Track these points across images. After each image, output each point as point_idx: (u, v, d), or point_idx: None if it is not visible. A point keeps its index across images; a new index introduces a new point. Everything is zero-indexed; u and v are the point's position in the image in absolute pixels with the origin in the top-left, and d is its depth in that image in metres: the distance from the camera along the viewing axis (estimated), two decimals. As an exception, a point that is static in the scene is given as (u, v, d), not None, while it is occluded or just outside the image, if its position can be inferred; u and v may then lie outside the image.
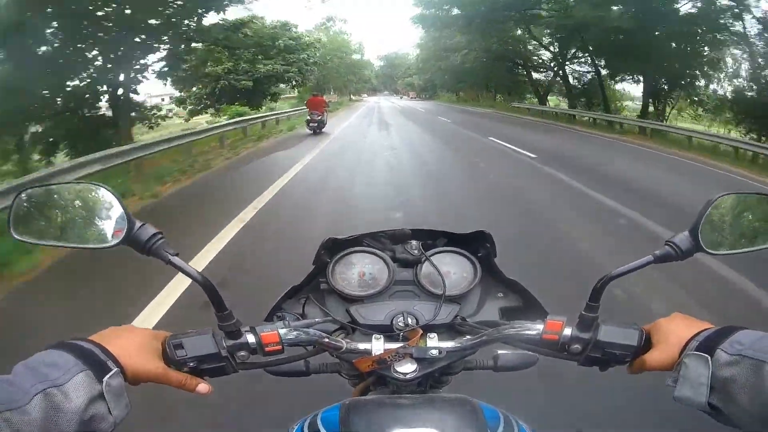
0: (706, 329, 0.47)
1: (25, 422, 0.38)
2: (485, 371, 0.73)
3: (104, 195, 0.51)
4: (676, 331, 0.50)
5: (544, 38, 18.50)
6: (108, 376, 0.42)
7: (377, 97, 60.97)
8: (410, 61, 56.88)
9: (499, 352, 0.73)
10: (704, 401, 0.43)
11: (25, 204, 0.53)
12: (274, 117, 12.28)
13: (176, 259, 0.50)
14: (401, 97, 49.48)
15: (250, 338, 0.52)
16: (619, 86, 17.52)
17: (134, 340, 0.48)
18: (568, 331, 0.53)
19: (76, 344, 0.44)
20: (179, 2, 8.38)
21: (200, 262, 2.81)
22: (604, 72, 15.48)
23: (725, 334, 0.45)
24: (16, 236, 0.52)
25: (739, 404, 0.41)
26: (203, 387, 0.51)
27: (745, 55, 11.30)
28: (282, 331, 0.53)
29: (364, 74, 42.40)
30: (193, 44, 10.51)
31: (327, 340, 0.56)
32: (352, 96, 48.13)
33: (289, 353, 0.57)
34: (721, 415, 0.43)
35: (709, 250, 0.51)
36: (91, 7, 7.11)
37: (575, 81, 18.06)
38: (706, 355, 0.43)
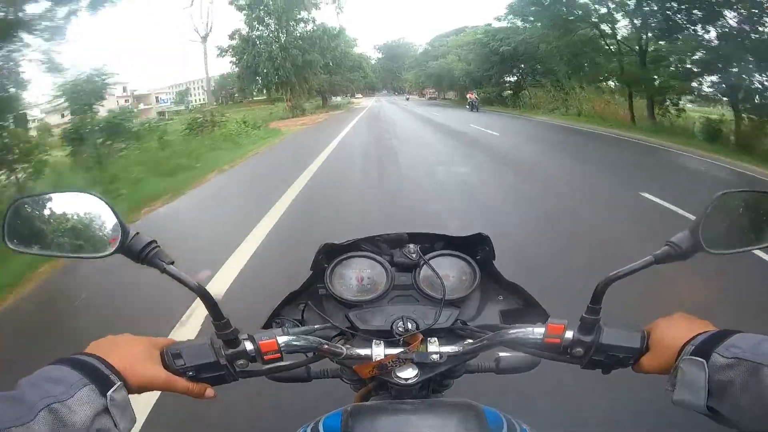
0: (702, 333, 0.52)
1: None
2: (488, 374, 0.77)
3: (98, 204, 0.56)
4: (673, 334, 0.54)
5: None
6: (112, 390, 0.47)
7: (376, 97, 56.62)
8: (417, 53, 52.69)
9: (501, 354, 0.78)
10: (703, 404, 0.48)
11: (19, 213, 0.58)
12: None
13: (172, 268, 0.54)
14: (407, 98, 45.59)
15: (249, 346, 0.57)
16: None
17: (134, 350, 0.53)
18: (569, 334, 0.58)
19: (78, 359, 0.49)
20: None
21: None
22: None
23: (721, 338, 0.50)
24: (10, 246, 0.57)
25: (739, 407, 0.45)
26: (210, 392, 0.57)
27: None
28: (280, 339, 0.58)
29: (363, 71, 38.13)
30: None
31: (326, 346, 0.61)
32: (348, 97, 44.18)
33: (288, 360, 0.61)
34: (720, 418, 0.48)
35: (711, 250, 0.55)
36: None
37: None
38: (702, 360, 0.48)
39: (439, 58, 35.01)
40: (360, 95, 66.96)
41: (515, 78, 25.60)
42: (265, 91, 26.23)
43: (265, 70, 22.88)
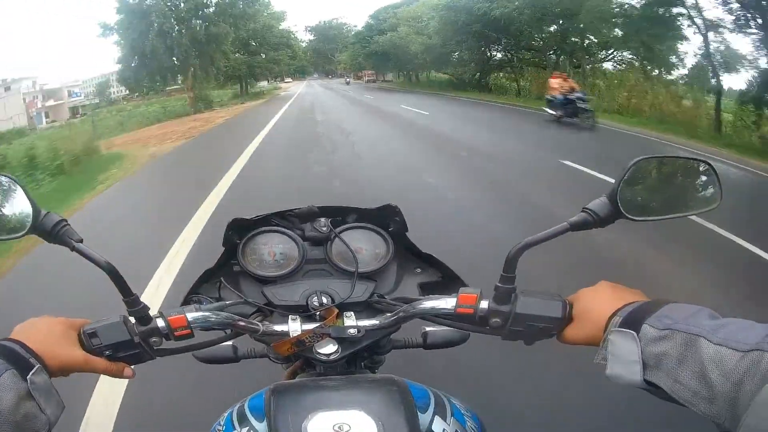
0: (630, 303, 0.52)
1: None
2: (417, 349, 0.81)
3: (10, 185, 0.58)
4: (599, 304, 0.55)
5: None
6: (31, 373, 0.49)
7: (307, 81, 54.42)
8: (351, 33, 51.81)
9: (428, 329, 0.82)
10: (639, 378, 0.48)
11: None
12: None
13: (80, 246, 0.57)
14: (347, 82, 43.07)
15: (160, 323, 0.59)
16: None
17: (52, 332, 0.55)
18: (485, 304, 0.59)
19: None
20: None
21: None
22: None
23: (651, 308, 0.49)
24: None
25: (677, 380, 0.45)
26: (128, 371, 0.59)
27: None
28: (190, 315, 0.60)
29: (291, 50, 34.89)
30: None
31: (242, 323, 0.63)
32: (275, 81, 42.16)
33: (206, 338, 0.64)
34: (660, 392, 0.47)
35: (630, 216, 0.56)
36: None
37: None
38: (632, 332, 0.48)
39: (387, 32, 30.72)
40: (289, 79, 63.34)
41: (502, 54, 20.41)
42: (160, 80, 20.59)
43: (153, 50, 17.51)
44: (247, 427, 0.57)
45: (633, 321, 0.49)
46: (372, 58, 37.46)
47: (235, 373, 1.16)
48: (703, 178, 0.62)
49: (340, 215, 0.81)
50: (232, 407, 0.62)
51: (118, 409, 1.80)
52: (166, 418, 1.74)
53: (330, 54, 62.19)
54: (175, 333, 0.59)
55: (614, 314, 0.52)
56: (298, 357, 0.72)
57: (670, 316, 0.47)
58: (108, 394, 1.87)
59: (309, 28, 65.33)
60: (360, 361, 0.76)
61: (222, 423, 0.60)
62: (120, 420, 1.76)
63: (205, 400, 1.68)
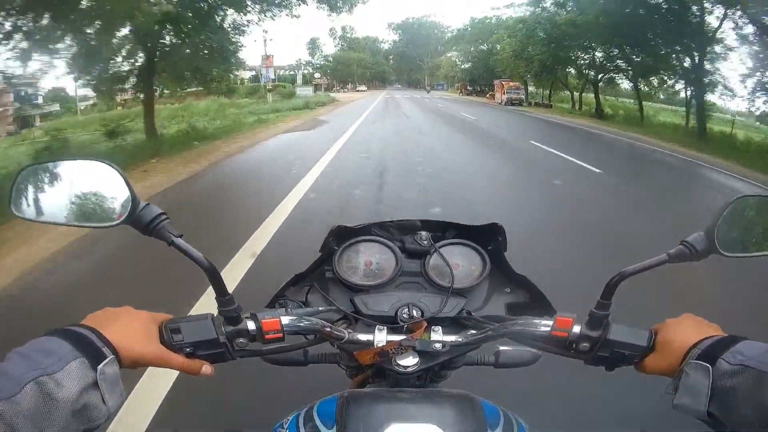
0: (709, 337, 0.66)
1: (14, 413, 0.49)
2: (486, 367, 0.96)
3: (109, 173, 0.71)
4: (681, 336, 0.69)
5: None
6: (103, 363, 0.58)
7: (386, 90, 55.22)
8: (447, 36, 53.14)
9: (501, 348, 0.96)
10: (703, 410, 0.60)
11: (26, 181, 0.75)
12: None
13: (179, 241, 0.68)
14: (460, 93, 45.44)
15: (251, 325, 0.72)
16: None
17: (131, 324, 0.66)
18: (577, 329, 0.74)
19: (72, 330, 0.60)
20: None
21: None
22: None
23: (728, 344, 0.63)
24: (16, 213, 0.73)
25: (740, 415, 0.57)
26: (207, 368, 0.71)
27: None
28: (284, 319, 0.74)
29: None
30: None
31: (329, 329, 0.77)
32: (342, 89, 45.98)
33: (288, 342, 0.77)
34: (720, 425, 0.60)
35: (725, 253, 0.70)
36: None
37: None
38: (707, 365, 0.61)
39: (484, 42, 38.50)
40: (363, 87, 65.08)
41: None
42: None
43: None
44: None
45: (710, 355, 0.62)
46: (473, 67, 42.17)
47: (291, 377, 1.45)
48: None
49: (440, 230, 0.98)
50: (298, 410, 0.74)
51: (159, 405, 2.18)
52: (219, 417, 2.13)
53: (419, 59, 62.25)
54: (266, 336, 0.72)
55: (693, 347, 0.66)
56: (371, 366, 0.85)
57: (745, 353, 0.60)
58: (152, 388, 2.27)
59: (392, 26, 66.31)
60: (429, 374, 0.90)
61: (286, 425, 0.72)
62: (160, 416, 2.12)
63: (264, 400, 2.14)
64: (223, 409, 2.14)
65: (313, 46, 71.69)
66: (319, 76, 65.00)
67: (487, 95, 43.96)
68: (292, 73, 59.40)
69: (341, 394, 0.72)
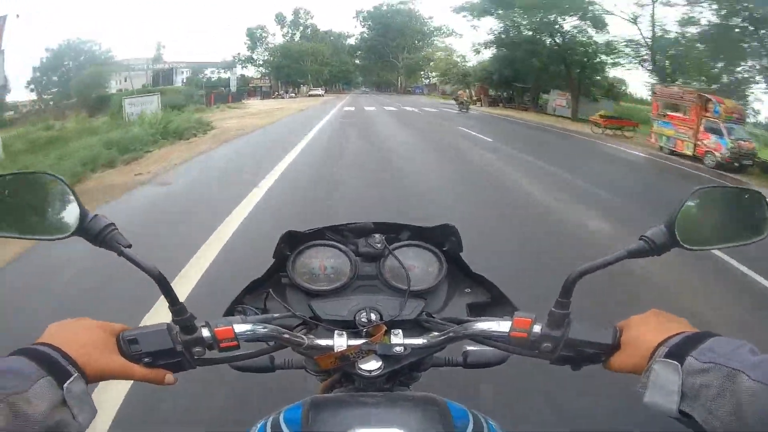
0: (677, 334, 0.80)
1: None
2: (457, 369, 1.14)
3: (56, 185, 0.87)
4: (646, 333, 0.84)
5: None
6: (69, 381, 0.72)
7: (345, 101, 47.33)
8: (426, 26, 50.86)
9: (469, 348, 1.15)
10: (675, 408, 0.74)
11: None
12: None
13: (128, 251, 0.85)
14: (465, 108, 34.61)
15: (205, 333, 0.89)
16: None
17: (91, 338, 0.81)
18: (537, 329, 0.90)
19: (36, 350, 0.74)
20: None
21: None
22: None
23: (696, 341, 0.76)
24: None
25: (712, 413, 0.69)
26: (170, 377, 0.87)
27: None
28: (237, 327, 0.90)
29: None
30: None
31: (287, 335, 0.95)
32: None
33: (248, 349, 0.95)
34: (692, 423, 0.73)
35: (686, 246, 0.86)
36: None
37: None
38: (676, 363, 0.75)
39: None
40: (320, 90, 60.15)
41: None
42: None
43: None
44: None
45: (678, 352, 0.76)
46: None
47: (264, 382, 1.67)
48: (755, 208, 0.92)
49: (394, 232, 1.18)
50: (265, 418, 0.89)
51: (114, 416, 2.62)
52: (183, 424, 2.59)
53: (392, 56, 61.13)
54: (221, 344, 0.88)
55: (660, 344, 0.80)
56: (336, 370, 1.04)
57: (714, 350, 0.73)
58: (109, 399, 2.67)
59: (362, 16, 64.04)
60: (398, 377, 1.07)
61: None
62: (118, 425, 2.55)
63: (233, 409, 2.58)
64: (191, 417, 2.58)
65: (253, 37, 64.86)
66: (259, 77, 62.65)
67: (591, 119, 26.81)
68: (225, 74, 54.81)
69: (305, 401, 0.88)
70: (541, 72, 37.00)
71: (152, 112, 22.21)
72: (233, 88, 50.19)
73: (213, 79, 51.64)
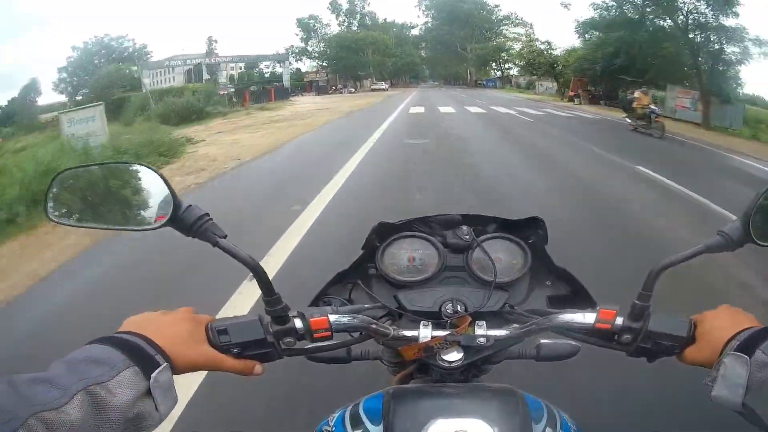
0: (747, 328, 0.85)
1: (63, 423, 0.61)
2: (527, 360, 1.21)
3: (148, 175, 0.93)
4: (719, 327, 0.89)
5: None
6: (157, 371, 0.74)
7: (416, 91, 49.14)
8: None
9: (542, 341, 1.21)
10: (739, 402, 0.78)
11: (62, 186, 0.97)
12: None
13: (224, 242, 0.89)
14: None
15: (298, 323, 0.95)
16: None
17: (179, 329, 0.84)
18: (620, 321, 0.97)
19: (121, 338, 0.76)
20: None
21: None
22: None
23: (766, 335, 0.81)
24: (52, 219, 0.96)
25: None
26: (258, 368, 0.92)
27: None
28: (332, 317, 0.97)
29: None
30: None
31: (375, 326, 1.01)
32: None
33: (335, 339, 1.01)
34: (754, 417, 0.77)
35: (761, 242, 0.91)
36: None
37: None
38: (745, 356, 0.79)
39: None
40: (383, 84, 59.35)
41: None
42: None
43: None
44: (361, 430, 0.90)
45: (748, 346, 0.81)
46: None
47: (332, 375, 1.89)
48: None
49: (481, 224, 1.24)
50: (344, 407, 0.97)
51: (184, 406, 2.74)
52: (258, 416, 2.78)
53: (460, 46, 58.94)
54: (315, 335, 0.95)
55: (732, 338, 0.85)
56: (414, 361, 1.11)
57: None
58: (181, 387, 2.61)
59: (425, 5, 62.56)
60: (472, 369, 1.13)
61: (332, 423, 0.95)
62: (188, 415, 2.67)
63: (305, 399, 2.77)
64: (268, 406, 2.79)
65: (306, 28, 63.29)
66: (315, 70, 62.09)
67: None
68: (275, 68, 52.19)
69: (386, 391, 0.95)
70: (666, 62, 27.60)
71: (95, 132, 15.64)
72: (286, 83, 48.84)
73: (266, 74, 51.65)
